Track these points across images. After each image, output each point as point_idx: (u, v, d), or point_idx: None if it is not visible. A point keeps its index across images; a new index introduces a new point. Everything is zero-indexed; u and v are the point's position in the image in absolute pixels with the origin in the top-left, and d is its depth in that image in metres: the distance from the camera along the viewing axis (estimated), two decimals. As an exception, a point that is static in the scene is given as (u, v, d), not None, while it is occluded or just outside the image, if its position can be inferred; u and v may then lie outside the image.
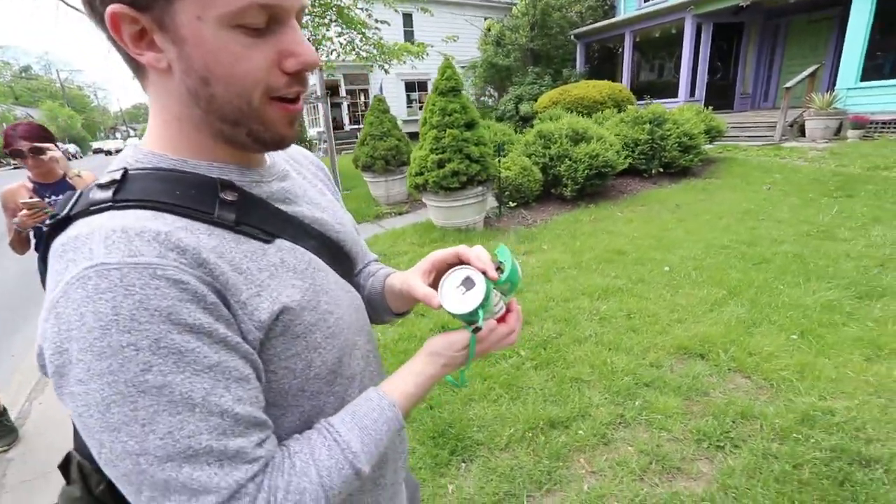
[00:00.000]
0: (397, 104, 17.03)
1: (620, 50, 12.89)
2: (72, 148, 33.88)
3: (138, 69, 0.47)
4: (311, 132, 17.32)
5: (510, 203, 5.72)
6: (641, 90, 11.44)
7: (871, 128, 7.75)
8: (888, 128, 7.64)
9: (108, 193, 0.44)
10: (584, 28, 12.78)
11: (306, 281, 0.51)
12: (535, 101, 11.03)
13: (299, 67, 0.46)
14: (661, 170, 6.76)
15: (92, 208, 0.43)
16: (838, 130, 8.04)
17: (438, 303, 0.55)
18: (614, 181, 6.43)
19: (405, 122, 15.62)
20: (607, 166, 5.72)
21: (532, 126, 6.89)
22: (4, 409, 2.45)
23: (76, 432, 0.51)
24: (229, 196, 0.48)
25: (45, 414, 2.72)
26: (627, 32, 11.85)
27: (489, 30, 13.55)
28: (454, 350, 0.57)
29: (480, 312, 0.53)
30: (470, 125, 4.90)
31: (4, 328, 3.93)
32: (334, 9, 7.47)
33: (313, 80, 9.95)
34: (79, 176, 2.17)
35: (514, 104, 11.88)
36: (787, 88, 8.17)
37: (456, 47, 11.50)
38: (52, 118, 40.14)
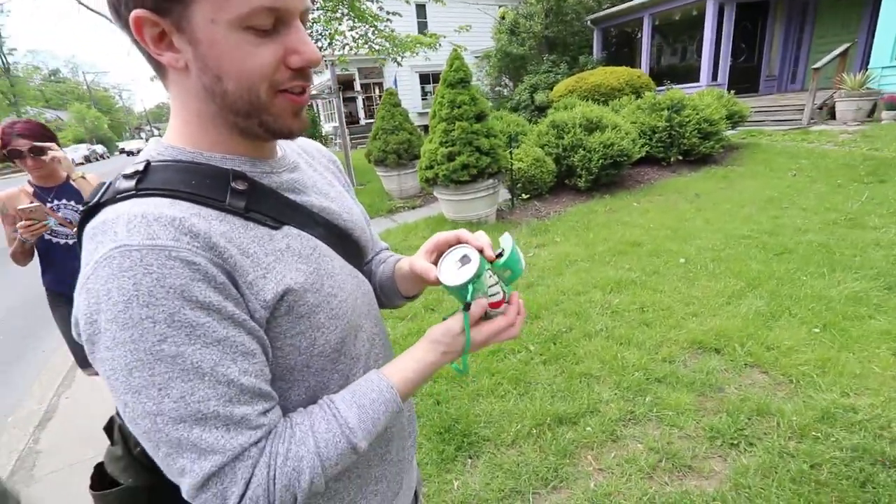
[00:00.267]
0: (412, 97, 16.94)
1: (639, 35, 12.50)
2: (99, 148, 35.03)
3: (160, 69, 0.51)
4: (327, 127, 17.43)
5: (523, 195, 5.65)
6: (661, 75, 11.09)
7: (907, 108, 7.33)
8: (926, 108, 7.21)
9: (132, 183, 0.49)
10: (601, 13, 12.40)
11: (311, 265, 0.55)
12: (551, 89, 10.81)
13: (303, 64, 0.50)
14: (680, 157, 6.56)
15: (118, 196, 0.48)
16: (871, 112, 7.63)
17: (435, 276, 0.60)
18: (630, 170, 6.28)
19: (420, 114, 15.56)
20: (623, 155, 5.58)
21: (547, 115, 6.76)
22: None
23: None
24: (240, 185, 0.52)
25: (72, 408, 2.84)
26: (646, 16, 11.47)
27: (503, 18, 13.29)
28: (452, 335, 0.58)
29: (470, 287, 0.56)
30: (480, 117, 4.84)
31: (36, 325, 4.10)
32: (345, 2, 7.47)
33: (327, 75, 9.98)
34: (83, 178, 1.97)
35: (530, 94, 11.66)
36: (816, 69, 7.78)
37: (470, 37, 11.37)
38: (80, 119, 41.54)
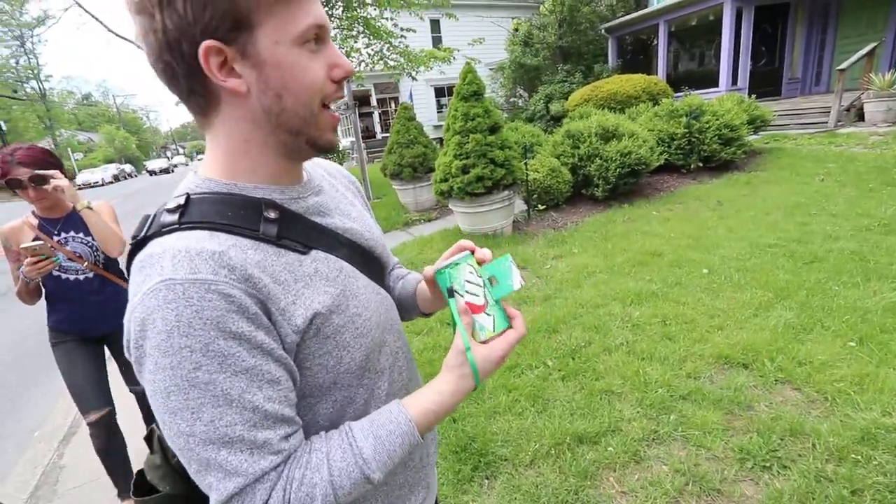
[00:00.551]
0: (427, 110, 17.12)
1: (655, 41, 12.39)
2: (128, 168, 36.33)
3: (209, 105, 0.54)
4: (344, 142, 17.73)
5: (539, 206, 5.59)
6: (679, 82, 10.91)
7: (941, 108, 7.04)
8: (962, 106, 6.91)
9: (175, 217, 0.53)
10: (616, 21, 12.36)
11: (337, 287, 0.58)
12: (566, 99, 10.77)
13: (344, 75, 0.56)
14: (701, 164, 6.42)
15: (163, 230, 0.52)
16: (903, 112, 7.35)
17: (432, 271, 0.66)
18: (649, 178, 6.17)
19: (436, 127, 15.69)
20: (640, 163, 5.49)
21: (563, 125, 6.71)
22: None
23: None
24: (272, 214, 0.56)
25: (94, 422, 2.89)
26: (661, 22, 11.37)
27: (516, 30, 13.36)
28: (457, 352, 0.60)
29: (448, 273, 0.62)
30: (493, 129, 4.84)
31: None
32: (361, 21, 7.63)
33: (344, 91, 10.15)
34: (89, 208, 1.76)
35: (545, 104, 11.64)
36: (842, 70, 7.56)
37: (483, 50, 11.44)
38: (110, 140, 43.42)
